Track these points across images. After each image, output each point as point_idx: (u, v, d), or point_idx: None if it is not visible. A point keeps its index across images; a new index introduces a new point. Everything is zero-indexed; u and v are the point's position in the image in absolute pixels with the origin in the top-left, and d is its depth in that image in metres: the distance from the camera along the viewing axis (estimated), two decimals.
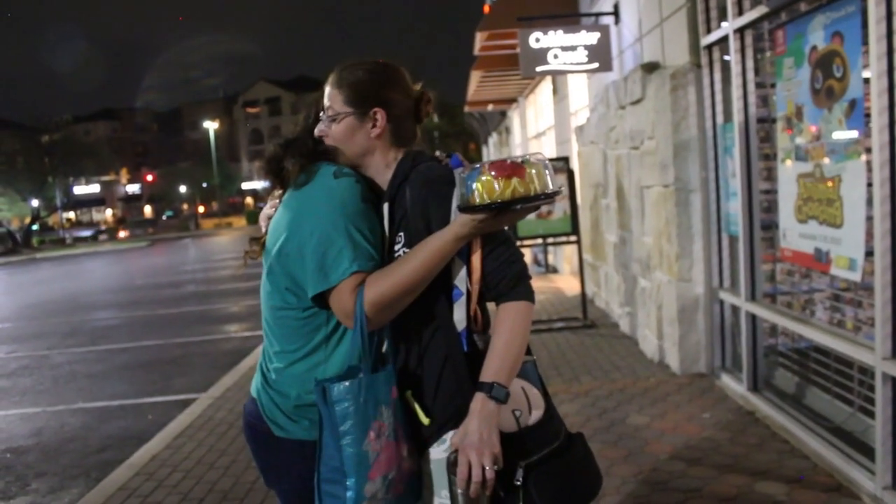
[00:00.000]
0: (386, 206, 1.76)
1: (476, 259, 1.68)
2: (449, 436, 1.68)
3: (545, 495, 1.61)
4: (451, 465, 1.61)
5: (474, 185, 1.56)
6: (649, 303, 5.96)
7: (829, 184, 3.63)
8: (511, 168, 1.56)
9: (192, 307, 12.37)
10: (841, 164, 3.54)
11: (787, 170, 4.08)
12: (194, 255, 27.94)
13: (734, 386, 4.91)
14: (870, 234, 3.25)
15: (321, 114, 1.87)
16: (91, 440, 5.46)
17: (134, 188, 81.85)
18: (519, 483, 1.61)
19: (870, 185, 3.22)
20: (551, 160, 8.27)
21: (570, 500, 1.68)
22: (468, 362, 1.69)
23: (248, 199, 78.19)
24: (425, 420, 1.71)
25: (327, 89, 1.83)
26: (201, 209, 66.98)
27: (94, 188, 75.34)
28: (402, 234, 1.73)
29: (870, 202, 3.23)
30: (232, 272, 17.56)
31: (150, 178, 72.57)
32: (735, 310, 4.99)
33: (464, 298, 1.69)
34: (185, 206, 69.72)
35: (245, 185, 77.95)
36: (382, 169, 1.81)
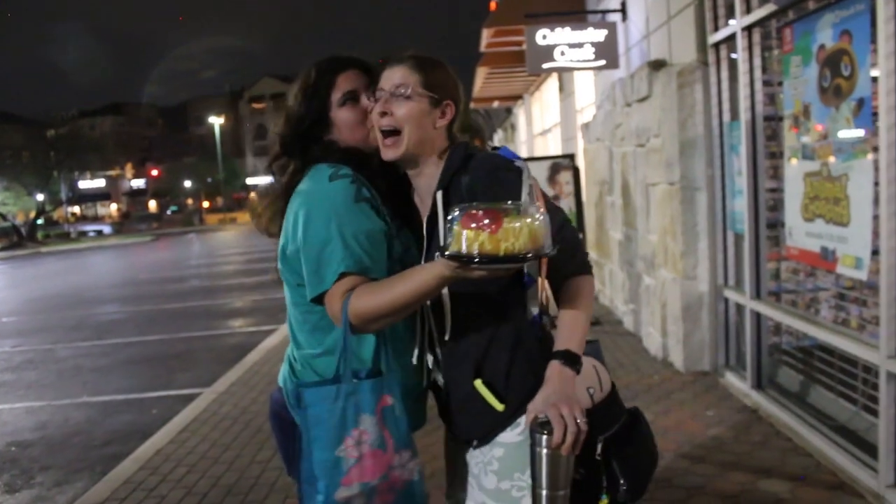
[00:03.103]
0: (440, 194, 1.74)
1: None
2: (523, 419, 1.69)
3: (625, 466, 1.67)
4: (535, 431, 1.56)
5: (461, 233, 1.43)
6: (654, 300, 5.96)
7: (836, 182, 3.62)
8: (494, 221, 1.41)
9: (197, 302, 12.40)
10: (848, 163, 3.53)
11: (794, 168, 4.08)
12: (199, 251, 27.98)
13: (738, 384, 4.90)
14: (876, 233, 3.25)
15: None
16: (95, 434, 5.48)
17: (139, 183, 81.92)
18: (599, 458, 1.66)
19: (877, 183, 3.22)
20: (557, 157, 8.27)
21: (643, 470, 1.76)
22: (539, 346, 1.76)
23: (253, 195, 78.22)
24: (499, 406, 1.72)
25: (396, 68, 1.76)
26: (206, 204, 67.07)
27: (100, 183, 75.38)
28: None
29: (876, 201, 3.22)
30: (236, 267, 17.58)
31: (154, 172, 72.71)
32: (740, 308, 4.99)
33: (536, 285, 1.74)
34: (190, 202, 69.85)
35: (250, 181, 77.92)
36: (435, 159, 1.81)
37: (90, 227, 55.52)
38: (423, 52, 1.82)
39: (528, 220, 1.42)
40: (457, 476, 1.91)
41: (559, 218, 1.75)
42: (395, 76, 1.76)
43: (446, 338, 1.78)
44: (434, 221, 1.75)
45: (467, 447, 1.83)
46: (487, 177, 1.71)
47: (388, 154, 1.77)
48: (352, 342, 1.68)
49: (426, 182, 1.81)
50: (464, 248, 1.42)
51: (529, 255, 1.41)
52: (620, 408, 1.78)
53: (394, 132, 1.75)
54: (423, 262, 1.77)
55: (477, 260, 1.41)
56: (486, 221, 1.41)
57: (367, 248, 1.69)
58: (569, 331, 1.69)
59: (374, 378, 1.69)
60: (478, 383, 1.75)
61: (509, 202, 1.50)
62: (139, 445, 4.91)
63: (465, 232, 1.42)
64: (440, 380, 1.85)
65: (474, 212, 1.43)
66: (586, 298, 1.74)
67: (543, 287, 1.75)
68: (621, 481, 1.66)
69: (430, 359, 1.85)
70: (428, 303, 1.77)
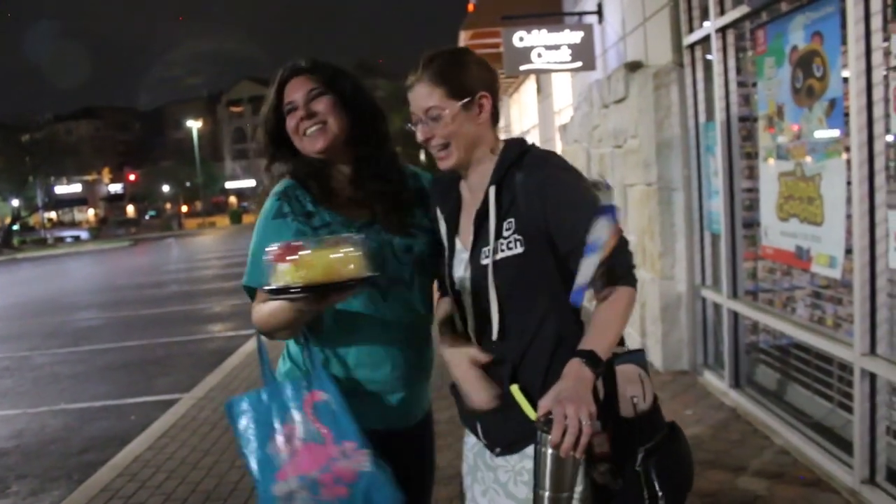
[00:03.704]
0: (492, 189, 1.73)
1: None
2: None
3: (663, 479, 1.61)
4: (541, 429, 1.51)
5: (275, 267, 1.53)
6: None
7: (810, 182, 3.66)
8: (293, 253, 1.51)
9: (176, 307, 12.30)
10: (821, 163, 3.57)
11: (769, 168, 4.12)
12: (177, 255, 27.77)
13: (716, 383, 4.94)
14: (849, 232, 3.29)
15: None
16: (73, 441, 5.42)
17: (116, 188, 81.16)
18: (640, 469, 1.60)
19: (849, 183, 3.26)
20: None
21: (682, 483, 1.69)
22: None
23: (232, 199, 77.84)
24: (533, 415, 1.60)
25: (418, 89, 1.74)
26: (184, 209, 66.58)
27: (76, 188, 74.70)
28: (511, 219, 1.70)
29: (849, 200, 3.26)
30: (215, 272, 17.45)
31: (132, 177, 72.00)
32: (717, 307, 5.03)
33: (596, 256, 1.57)
34: (168, 206, 69.26)
35: (229, 185, 77.55)
36: (488, 154, 1.78)
37: (67, 233, 55.00)
38: (435, 54, 1.76)
39: (329, 251, 1.53)
40: (475, 480, 1.86)
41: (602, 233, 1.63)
42: (420, 99, 1.74)
43: (493, 338, 1.74)
44: (483, 216, 1.73)
45: (490, 452, 1.78)
46: (539, 175, 1.69)
47: (444, 165, 1.78)
48: (290, 345, 1.89)
49: (479, 176, 1.79)
50: (277, 282, 1.52)
51: (330, 283, 1.52)
52: (661, 420, 1.71)
53: (444, 146, 1.75)
54: (458, 257, 1.80)
55: (276, 290, 1.55)
56: (290, 255, 1.52)
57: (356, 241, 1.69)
58: (598, 332, 1.62)
59: (296, 379, 1.79)
60: (514, 388, 1.69)
61: (321, 237, 1.68)
62: (117, 452, 4.87)
63: (277, 266, 1.53)
64: None
65: (281, 246, 1.54)
66: (622, 306, 1.65)
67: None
68: (660, 494, 1.59)
69: None
70: (471, 303, 1.77)
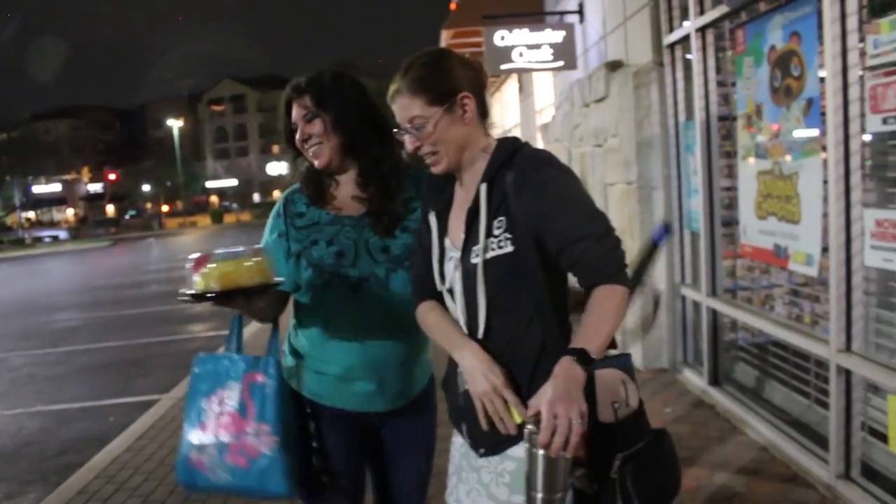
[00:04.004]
0: (484, 187, 1.72)
1: None
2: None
3: (640, 487, 1.58)
4: (532, 430, 1.49)
5: (193, 275, 1.81)
6: None
7: (788, 181, 3.69)
8: (199, 264, 1.80)
9: (156, 307, 12.20)
10: (799, 162, 3.60)
11: (748, 167, 4.14)
12: (158, 255, 27.57)
13: (695, 380, 4.97)
14: (826, 230, 3.32)
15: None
16: (49, 444, 5.37)
17: (96, 187, 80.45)
18: (615, 476, 1.57)
19: (826, 181, 3.28)
20: None
21: (661, 494, 1.65)
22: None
23: (213, 198, 77.41)
24: (517, 418, 1.63)
25: (399, 101, 1.74)
26: (165, 208, 66.09)
27: (55, 187, 74.02)
28: (502, 218, 1.69)
29: (826, 199, 3.29)
30: None
31: (112, 176, 71.37)
32: (696, 305, 5.05)
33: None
34: (149, 206, 68.73)
35: (210, 184, 77.11)
36: (480, 154, 1.77)
37: (46, 233, 54.42)
38: (412, 61, 1.75)
39: (226, 263, 1.77)
40: (461, 480, 1.85)
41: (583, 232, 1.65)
42: (402, 109, 1.74)
43: (479, 337, 1.73)
44: (474, 213, 1.73)
45: (475, 452, 1.78)
46: (530, 174, 1.68)
47: (436, 170, 1.78)
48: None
49: (472, 176, 1.78)
50: (192, 289, 1.78)
51: (228, 289, 1.76)
52: (645, 427, 1.67)
53: (433, 153, 1.75)
54: (448, 255, 1.79)
55: (194, 295, 1.78)
56: (199, 267, 1.78)
57: (270, 253, 1.97)
58: (590, 331, 1.58)
59: (250, 357, 1.98)
60: None
61: (233, 249, 1.84)
62: (95, 454, 4.82)
63: (193, 275, 1.79)
64: (464, 383, 1.78)
65: (195, 259, 1.81)
66: (615, 305, 1.62)
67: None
68: (635, 502, 1.57)
69: None
70: (462, 302, 1.75)
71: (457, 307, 1.78)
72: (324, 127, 2.00)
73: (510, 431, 1.64)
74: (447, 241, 1.82)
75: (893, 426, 2.96)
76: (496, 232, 1.69)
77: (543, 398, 1.49)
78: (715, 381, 4.75)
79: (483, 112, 1.79)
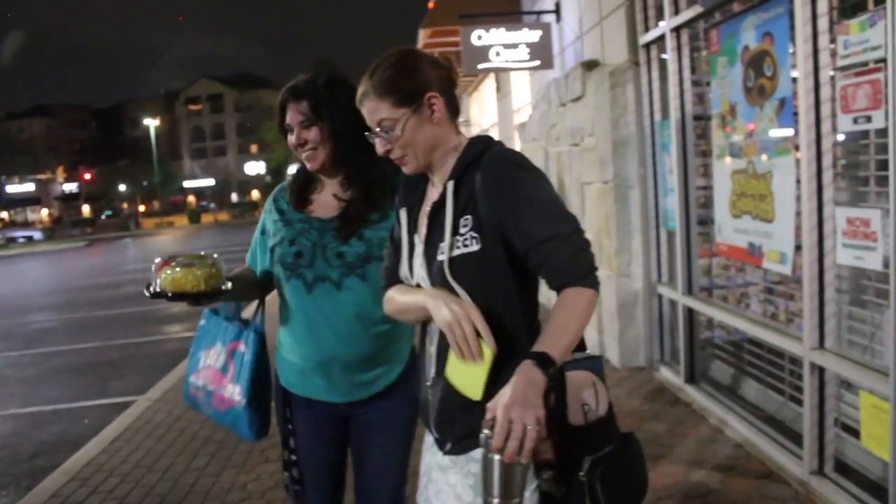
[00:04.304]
0: (451, 185, 1.70)
1: None
2: None
3: (608, 491, 1.56)
4: (487, 435, 1.47)
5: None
6: None
7: (762, 180, 3.73)
8: (160, 267, 2.03)
9: (131, 308, 12.06)
10: (772, 161, 3.63)
11: (722, 166, 4.18)
12: (134, 255, 27.30)
13: (672, 378, 5.01)
14: (799, 229, 3.35)
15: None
16: (22, 447, 5.29)
17: (71, 187, 79.39)
18: (584, 478, 1.55)
19: (799, 180, 3.32)
20: None
21: (629, 497, 1.64)
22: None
23: (191, 198, 76.78)
24: (487, 351, 1.58)
25: (367, 104, 1.72)
26: (142, 208, 65.49)
27: (29, 187, 72.99)
28: (469, 217, 1.67)
29: (799, 197, 3.32)
30: None
31: (87, 176, 70.54)
32: (673, 304, 5.09)
33: None
34: (125, 206, 68.04)
35: (187, 184, 76.45)
36: (451, 152, 1.76)
37: (19, 233, 53.61)
38: (378, 63, 1.74)
39: (178, 268, 2.00)
40: (430, 480, 1.85)
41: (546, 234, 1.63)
42: (370, 113, 1.73)
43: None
44: (438, 208, 1.72)
45: (440, 450, 1.77)
46: (496, 171, 1.66)
47: (406, 171, 1.77)
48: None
49: (442, 174, 1.77)
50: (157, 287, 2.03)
51: (177, 294, 2.00)
52: (615, 430, 1.65)
53: (403, 155, 1.74)
54: (416, 249, 1.78)
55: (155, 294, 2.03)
56: (160, 269, 2.02)
57: (255, 244, 2.32)
58: (554, 334, 1.56)
59: (238, 327, 2.28)
60: (449, 367, 1.66)
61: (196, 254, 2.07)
62: (69, 457, 4.76)
63: (155, 276, 2.02)
64: (430, 376, 1.78)
65: (158, 262, 2.04)
66: (581, 308, 1.60)
67: None
68: None
69: (433, 352, 1.78)
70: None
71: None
72: (320, 135, 2.08)
73: (476, 358, 1.60)
74: (416, 238, 1.81)
75: (865, 422, 3.00)
76: (462, 230, 1.67)
77: (500, 401, 1.46)
78: (691, 378, 4.79)
79: (453, 110, 1.78)
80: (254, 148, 72.75)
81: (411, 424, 2.25)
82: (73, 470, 4.47)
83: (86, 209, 75.03)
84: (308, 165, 2.15)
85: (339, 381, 2.16)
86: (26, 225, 69.29)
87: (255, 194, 68.46)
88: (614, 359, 5.55)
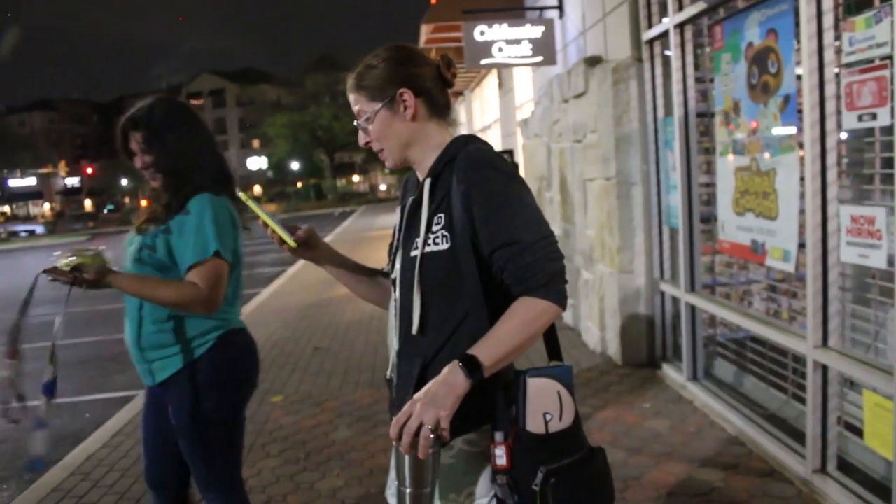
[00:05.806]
0: (428, 182, 1.70)
1: None
2: (459, 441, 1.62)
3: (561, 502, 1.55)
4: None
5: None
6: (592, 295, 6.03)
7: (765, 177, 3.71)
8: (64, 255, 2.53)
9: None
10: (776, 158, 3.62)
11: (725, 163, 4.16)
12: None
13: (674, 375, 5.00)
14: (803, 227, 3.34)
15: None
16: (24, 441, 5.28)
17: (73, 181, 79.47)
18: (537, 488, 1.54)
19: (803, 178, 3.30)
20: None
21: None
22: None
23: None
24: (290, 242, 1.80)
25: (350, 96, 1.78)
26: (144, 203, 65.27)
27: (31, 181, 73.02)
28: (442, 215, 1.67)
29: (803, 195, 3.31)
30: None
31: (89, 170, 70.65)
32: (675, 301, 5.08)
33: None
34: (128, 200, 68.05)
35: None
36: (433, 150, 1.75)
37: (21, 227, 53.63)
38: (362, 60, 1.77)
39: (75, 256, 2.53)
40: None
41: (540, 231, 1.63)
42: (353, 105, 1.78)
43: (413, 331, 1.69)
44: (418, 205, 1.72)
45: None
46: (466, 170, 1.65)
47: (387, 165, 1.80)
48: None
49: (424, 171, 1.77)
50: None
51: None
52: (578, 443, 1.63)
53: (380, 149, 1.77)
54: (397, 245, 1.79)
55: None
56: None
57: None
58: (490, 341, 1.54)
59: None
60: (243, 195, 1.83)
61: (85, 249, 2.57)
62: (70, 451, 4.76)
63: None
64: (391, 370, 1.79)
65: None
66: (528, 318, 1.56)
67: None
68: None
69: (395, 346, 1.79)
70: (398, 294, 1.75)
71: (397, 297, 1.77)
72: (154, 161, 2.53)
73: (286, 251, 1.82)
74: (401, 234, 1.82)
75: (868, 421, 2.99)
76: (435, 228, 1.67)
77: (416, 395, 1.51)
78: (694, 376, 4.78)
79: (437, 107, 1.77)
80: (256, 143, 72.70)
81: (182, 418, 2.59)
82: (74, 464, 4.48)
83: (88, 203, 75.08)
84: (152, 184, 2.59)
85: (137, 360, 2.63)
86: (28, 219, 69.30)
87: (257, 189, 68.46)
88: (616, 356, 5.54)
